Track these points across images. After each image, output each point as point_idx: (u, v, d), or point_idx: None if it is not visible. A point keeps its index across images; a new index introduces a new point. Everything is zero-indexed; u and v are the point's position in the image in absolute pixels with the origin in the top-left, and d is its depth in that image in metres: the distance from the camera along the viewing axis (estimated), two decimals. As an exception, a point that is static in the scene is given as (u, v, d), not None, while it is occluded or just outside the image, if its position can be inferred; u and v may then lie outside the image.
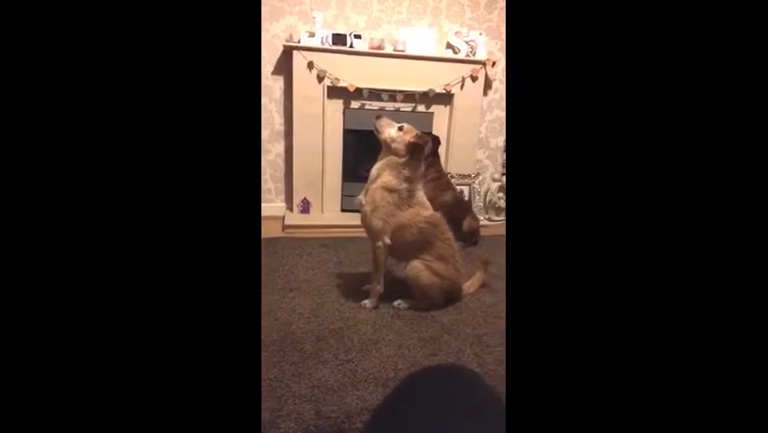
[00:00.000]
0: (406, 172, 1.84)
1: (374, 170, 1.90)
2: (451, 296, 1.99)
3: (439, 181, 2.83)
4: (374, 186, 1.87)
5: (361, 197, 1.92)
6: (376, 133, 1.90)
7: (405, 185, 1.84)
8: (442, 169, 3.00)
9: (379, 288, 1.95)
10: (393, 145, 1.85)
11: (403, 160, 1.84)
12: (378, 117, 1.91)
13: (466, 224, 2.85)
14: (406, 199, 1.86)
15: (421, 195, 1.92)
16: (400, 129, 1.85)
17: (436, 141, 3.14)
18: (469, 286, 2.12)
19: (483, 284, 2.18)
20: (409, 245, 1.89)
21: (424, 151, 1.86)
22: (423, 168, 1.91)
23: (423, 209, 1.90)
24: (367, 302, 1.95)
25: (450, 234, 1.98)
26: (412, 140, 1.82)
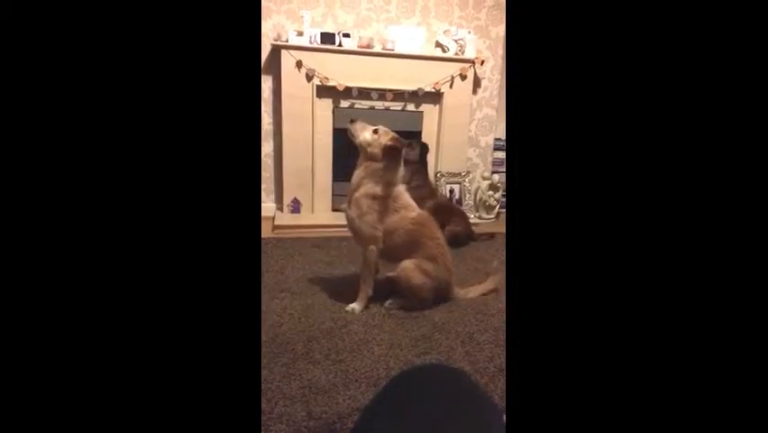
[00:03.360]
0: (386, 177, 1.82)
1: (354, 178, 1.88)
2: (440, 294, 1.98)
3: (421, 190, 2.79)
4: (357, 194, 1.85)
5: (346, 206, 1.91)
6: (351, 137, 1.87)
7: (387, 190, 1.83)
8: (427, 176, 2.97)
9: (369, 292, 1.94)
10: (369, 150, 1.82)
11: (381, 164, 1.81)
12: (352, 121, 1.88)
13: (449, 229, 2.85)
14: (391, 204, 1.84)
15: (406, 197, 1.91)
16: (375, 132, 1.82)
17: (425, 148, 3.11)
18: (469, 291, 2.08)
19: (487, 292, 2.11)
20: (398, 247, 1.89)
21: (401, 153, 1.84)
22: (402, 171, 1.89)
23: (408, 211, 1.89)
24: (355, 306, 1.91)
25: (439, 234, 1.98)
26: (388, 143, 1.79)
